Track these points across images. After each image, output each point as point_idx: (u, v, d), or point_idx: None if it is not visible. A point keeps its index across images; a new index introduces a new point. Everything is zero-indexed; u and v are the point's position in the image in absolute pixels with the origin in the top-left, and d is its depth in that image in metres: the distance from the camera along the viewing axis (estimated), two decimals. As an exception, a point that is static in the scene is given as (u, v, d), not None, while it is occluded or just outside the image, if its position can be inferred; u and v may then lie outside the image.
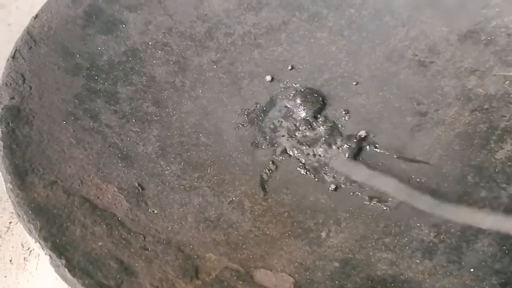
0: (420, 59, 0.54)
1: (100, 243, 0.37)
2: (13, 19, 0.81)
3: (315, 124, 0.52)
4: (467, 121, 0.49)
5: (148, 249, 0.38)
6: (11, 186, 0.38)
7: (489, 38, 0.53)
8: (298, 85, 0.55)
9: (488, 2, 0.55)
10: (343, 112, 0.52)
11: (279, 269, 0.39)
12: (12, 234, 0.54)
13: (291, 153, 0.50)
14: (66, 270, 0.34)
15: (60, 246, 0.35)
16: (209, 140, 0.50)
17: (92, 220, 0.39)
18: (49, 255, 0.35)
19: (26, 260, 0.51)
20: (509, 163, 0.45)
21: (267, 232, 0.42)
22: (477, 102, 0.50)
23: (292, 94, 0.54)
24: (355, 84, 0.54)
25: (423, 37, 0.56)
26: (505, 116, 0.48)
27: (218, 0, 0.60)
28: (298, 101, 0.53)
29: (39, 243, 0.35)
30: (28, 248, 0.52)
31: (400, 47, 0.56)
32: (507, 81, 0.50)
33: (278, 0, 0.61)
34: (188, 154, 0.49)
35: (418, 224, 0.42)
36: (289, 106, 0.54)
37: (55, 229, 0.36)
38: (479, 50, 0.53)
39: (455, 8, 0.56)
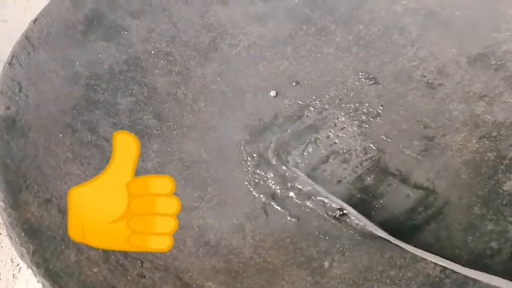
0: (429, 81, 0.53)
1: (95, 270, 0.35)
2: (9, 15, 0.79)
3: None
4: (474, 149, 0.48)
5: (145, 277, 0.36)
6: (3, 205, 0.37)
7: (499, 62, 0.52)
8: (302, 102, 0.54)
9: (500, 25, 0.54)
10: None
11: (280, 300, 0.38)
12: (1, 247, 0.52)
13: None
14: (60, 299, 0.33)
15: (54, 273, 0.34)
16: (211, 157, 0.49)
17: (88, 243, 0.37)
18: (42, 283, 0.33)
19: (16, 278, 0.49)
20: (517, 196, 0.44)
21: (269, 260, 0.41)
22: (485, 129, 0.49)
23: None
24: (361, 104, 0.53)
25: (432, 58, 0.54)
26: (514, 146, 0.47)
27: (223, 10, 0.59)
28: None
29: (32, 269, 0.33)
30: (18, 264, 0.50)
31: (409, 67, 0.54)
32: (517, 109, 0.49)
33: (285, 13, 0.59)
34: (188, 171, 0.47)
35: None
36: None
37: (49, 254, 0.35)
38: (489, 75, 0.52)
39: (465, 30, 0.55)
